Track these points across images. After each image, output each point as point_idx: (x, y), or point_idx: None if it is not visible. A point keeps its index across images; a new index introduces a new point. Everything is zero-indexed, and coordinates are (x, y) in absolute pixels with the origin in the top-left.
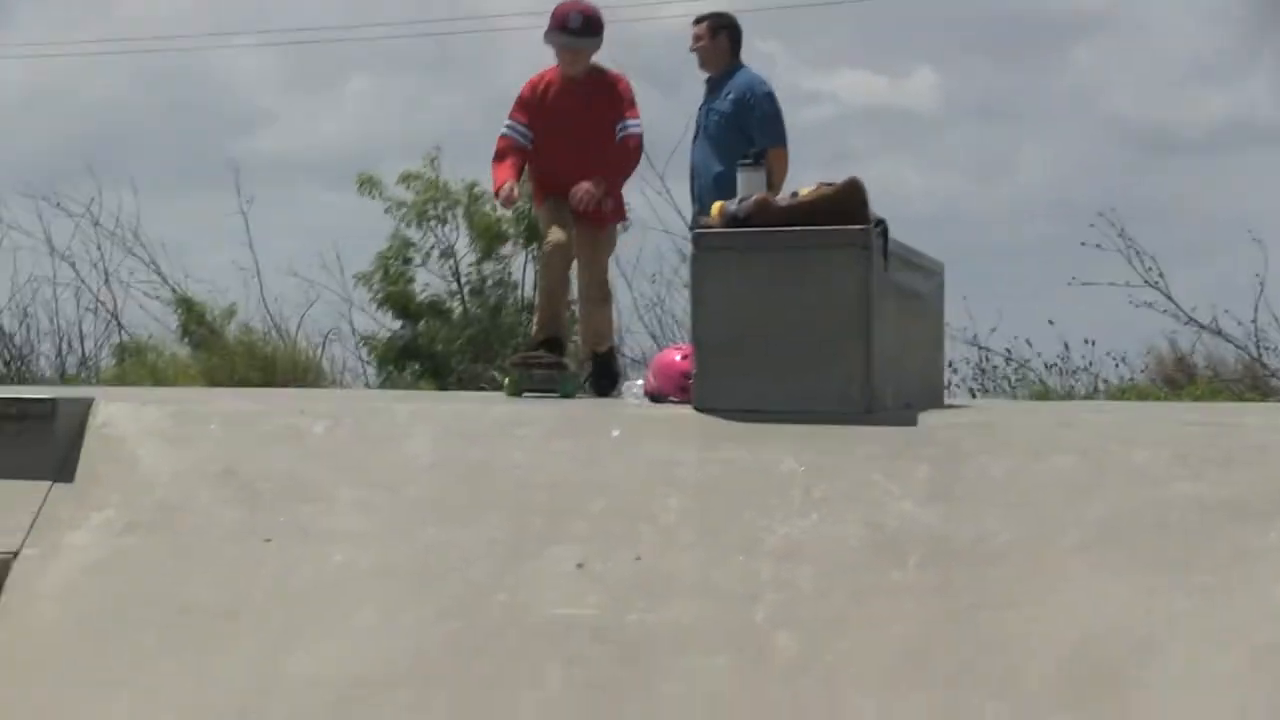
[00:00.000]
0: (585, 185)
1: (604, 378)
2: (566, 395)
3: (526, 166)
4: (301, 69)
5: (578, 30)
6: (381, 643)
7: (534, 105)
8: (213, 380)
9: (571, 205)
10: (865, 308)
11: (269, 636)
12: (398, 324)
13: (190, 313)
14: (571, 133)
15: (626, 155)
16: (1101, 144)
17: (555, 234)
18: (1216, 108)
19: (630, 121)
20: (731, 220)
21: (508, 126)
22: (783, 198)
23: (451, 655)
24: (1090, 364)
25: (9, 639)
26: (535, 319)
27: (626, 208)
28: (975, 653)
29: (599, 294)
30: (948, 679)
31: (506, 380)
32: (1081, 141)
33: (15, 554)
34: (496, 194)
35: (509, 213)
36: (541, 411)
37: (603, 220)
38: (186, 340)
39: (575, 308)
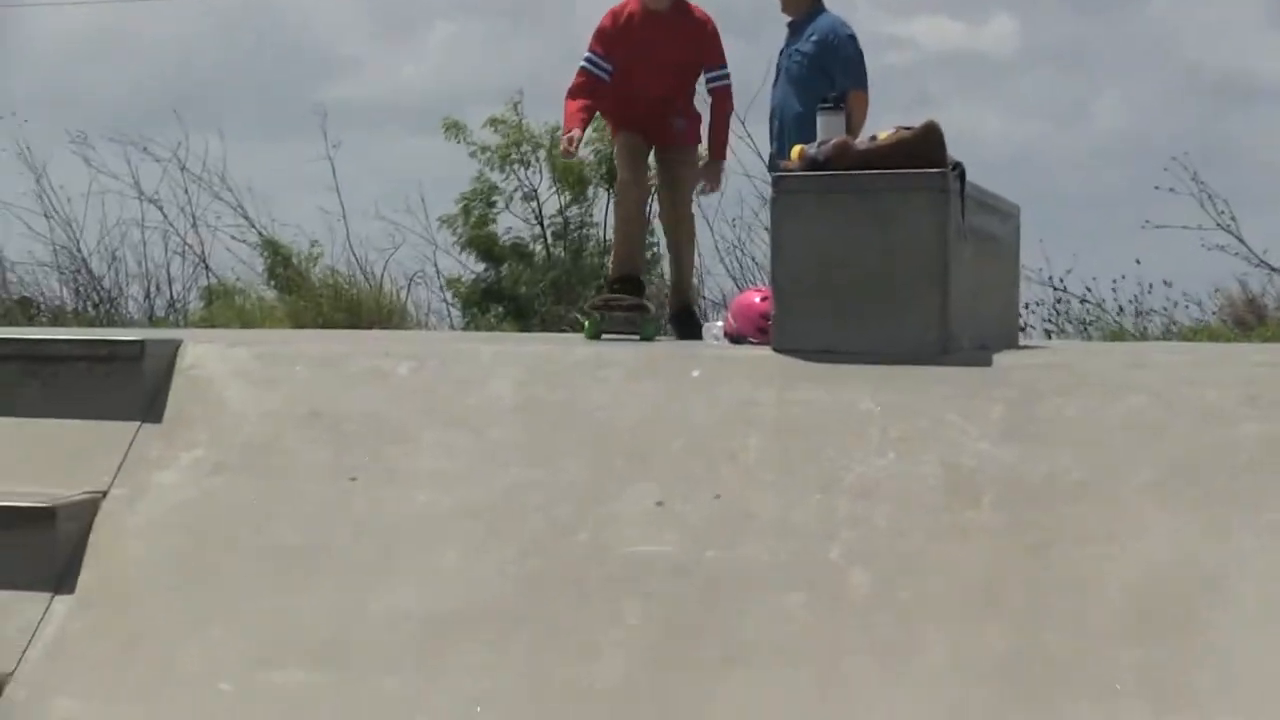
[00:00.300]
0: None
1: (689, 326)
2: (647, 338)
3: (604, 98)
4: (386, 15)
5: None
6: (464, 581)
7: (614, 36)
8: (298, 322)
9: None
10: (942, 250)
11: (353, 574)
12: (481, 266)
13: (276, 256)
14: (652, 60)
15: (716, 110)
16: (1176, 90)
17: (630, 170)
18: None
19: (717, 72)
20: (811, 164)
21: (586, 60)
22: (861, 141)
23: (533, 593)
24: (1175, 304)
25: (98, 577)
26: (612, 255)
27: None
28: (1048, 590)
29: (686, 234)
30: (1020, 615)
31: (586, 323)
32: (1156, 87)
33: (104, 494)
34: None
35: (590, 156)
36: (623, 353)
37: (682, 144)
38: (273, 283)
39: (653, 250)
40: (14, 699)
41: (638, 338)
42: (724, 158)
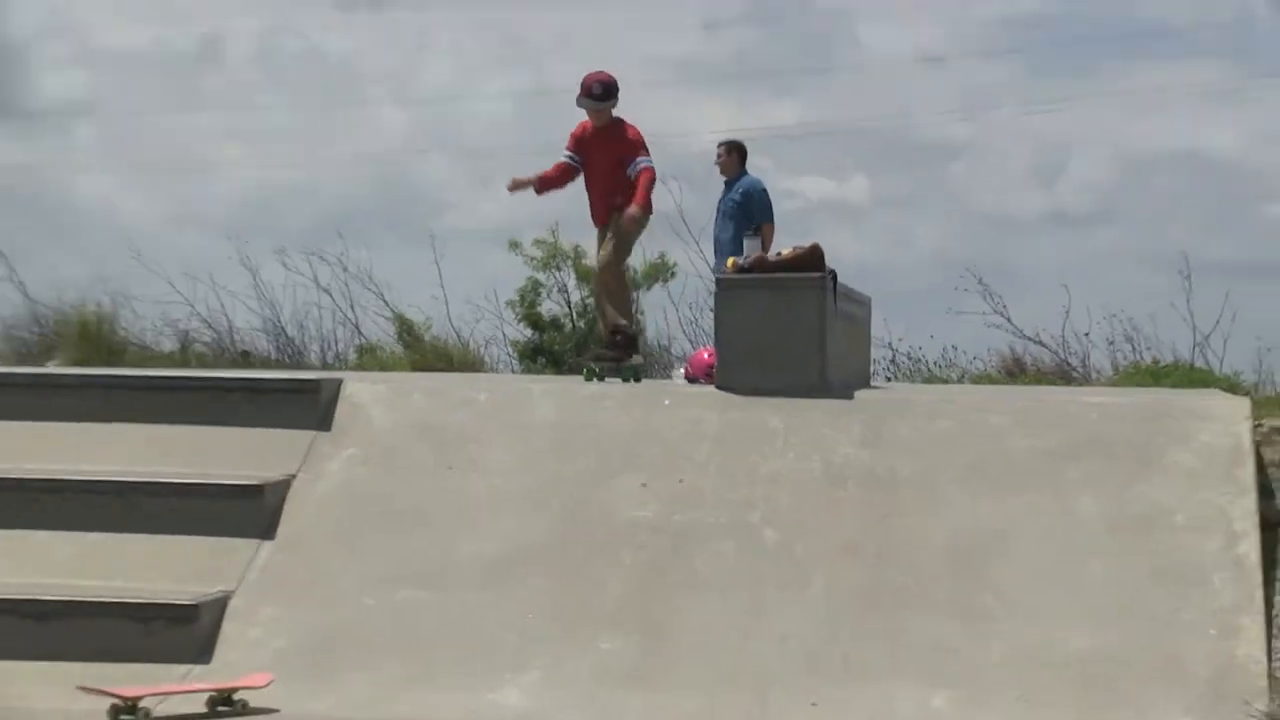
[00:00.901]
0: (630, 212)
1: (614, 348)
2: (625, 380)
3: (567, 178)
4: (473, 173)
5: (599, 96)
6: (519, 535)
7: (580, 140)
8: (416, 368)
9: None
10: (822, 326)
11: (448, 530)
12: (531, 333)
13: (403, 326)
14: (599, 164)
15: (639, 185)
16: (969, 223)
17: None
18: (1039, 202)
19: (640, 160)
20: (740, 270)
21: (565, 155)
22: (772, 256)
23: (562, 544)
24: (968, 361)
25: (292, 530)
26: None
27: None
28: (890, 545)
29: (602, 287)
30: (873, 560)
31: (585, 371)
32: (956, 222)
33: (294, 476)
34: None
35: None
36: (619, 390)
37: (619, 212)
38: (400, 343)
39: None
40: (237, 607)
41: (620, 380)
42: (639, 206)
